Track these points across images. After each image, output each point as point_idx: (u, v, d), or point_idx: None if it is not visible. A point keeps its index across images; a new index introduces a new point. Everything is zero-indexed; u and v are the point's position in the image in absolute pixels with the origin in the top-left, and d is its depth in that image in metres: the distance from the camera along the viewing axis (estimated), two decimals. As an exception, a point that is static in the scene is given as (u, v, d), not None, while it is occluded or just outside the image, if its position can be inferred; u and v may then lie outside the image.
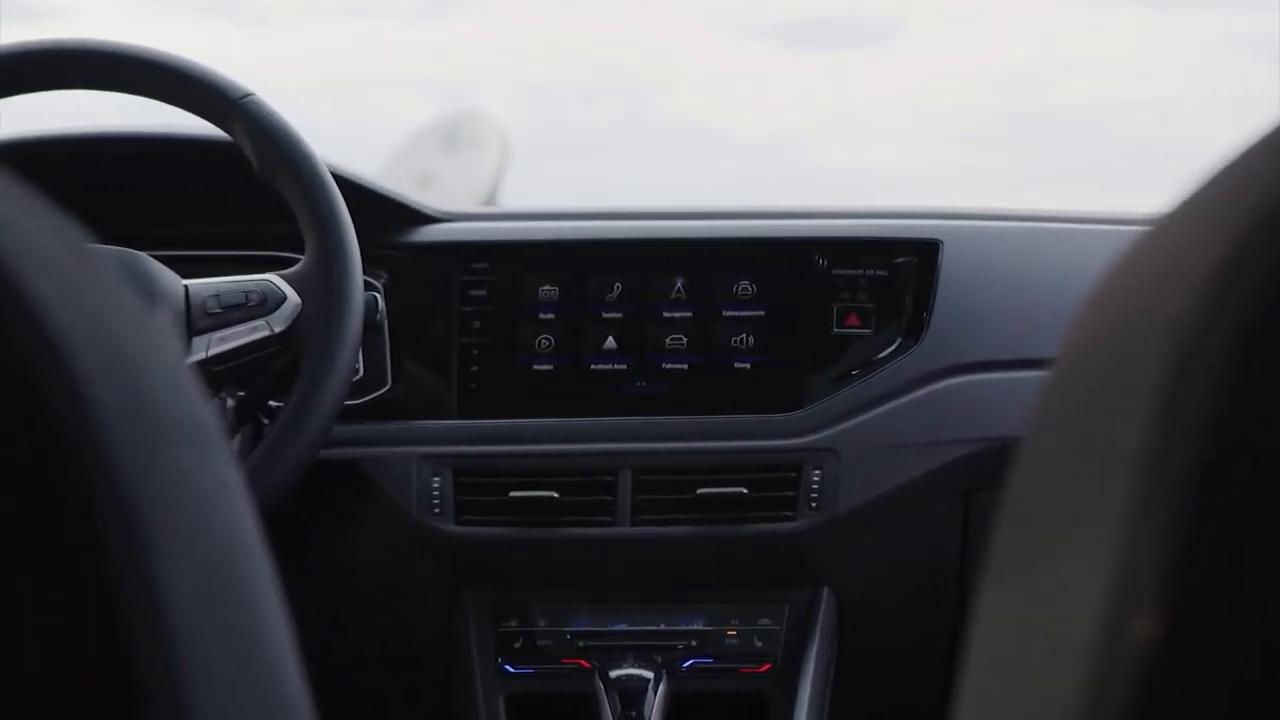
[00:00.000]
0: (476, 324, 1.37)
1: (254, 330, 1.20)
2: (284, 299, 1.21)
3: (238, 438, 1.32)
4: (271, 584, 0.49)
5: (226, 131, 1.22)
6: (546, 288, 1.37)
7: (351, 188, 1.31)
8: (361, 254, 1.22)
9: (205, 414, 0.48)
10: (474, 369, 1.37)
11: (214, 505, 0.47)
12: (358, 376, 1.35)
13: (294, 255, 1.25)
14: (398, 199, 1.41)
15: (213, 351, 1.20)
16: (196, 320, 1.21)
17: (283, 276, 1.22)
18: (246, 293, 1.21)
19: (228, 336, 1.20)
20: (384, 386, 1.36)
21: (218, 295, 1.21)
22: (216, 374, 1.21)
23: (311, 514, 1.38)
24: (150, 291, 1.19)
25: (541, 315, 1.37)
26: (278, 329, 1.20)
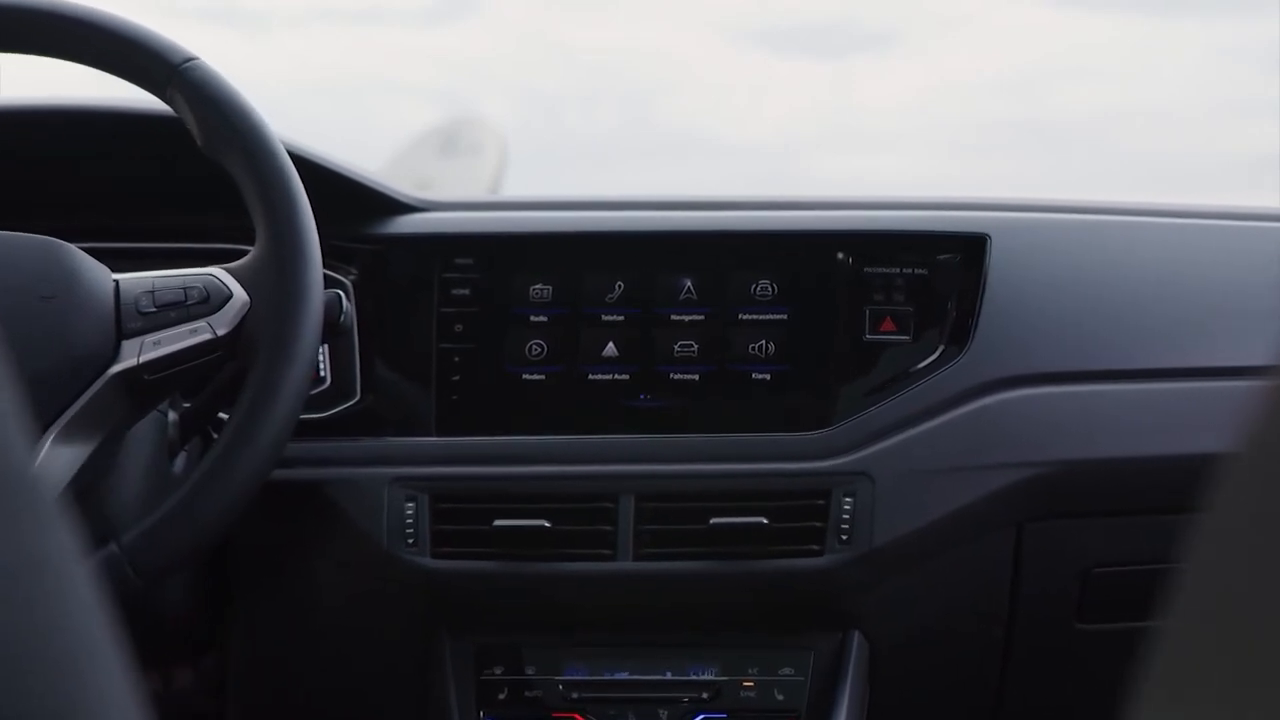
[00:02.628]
0: (458, 327, 1.29)
1: (194, 333, 1.08)
2: (229, 296, 1.09)
3: (182, 455, 1.24)
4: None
5: (166, 102, 1.12)
6: (538, 286, 1.30)
7: (314, 170, 1.23)
8: (326, 246, 1.14)
9: (11, 459, 0.34)
10: (455, 379, 1.29)
11: (12, 600, 0.33)
12: (323, 386, 1.29)
13: (245, 248, 1.13)
14: (368, 184, 1.32)
15: (145, 357, 1.08)
16: (127, 321, 1.08)
17: (228, 270, 1.10)
18: (185, 289, 1.09)
19: (163, 340, 1.08)
20: (352, 398, 1.29)
21: (152, 292, 1.09)
22: (152, 383, 1.09)
23: (266, 544, 1.31)
24: (73, 287, 1.08)
25: (532, 318, 1.29)
26: (221, 331, 1.08)
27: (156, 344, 1.08)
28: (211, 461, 1.05)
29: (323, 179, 1.25)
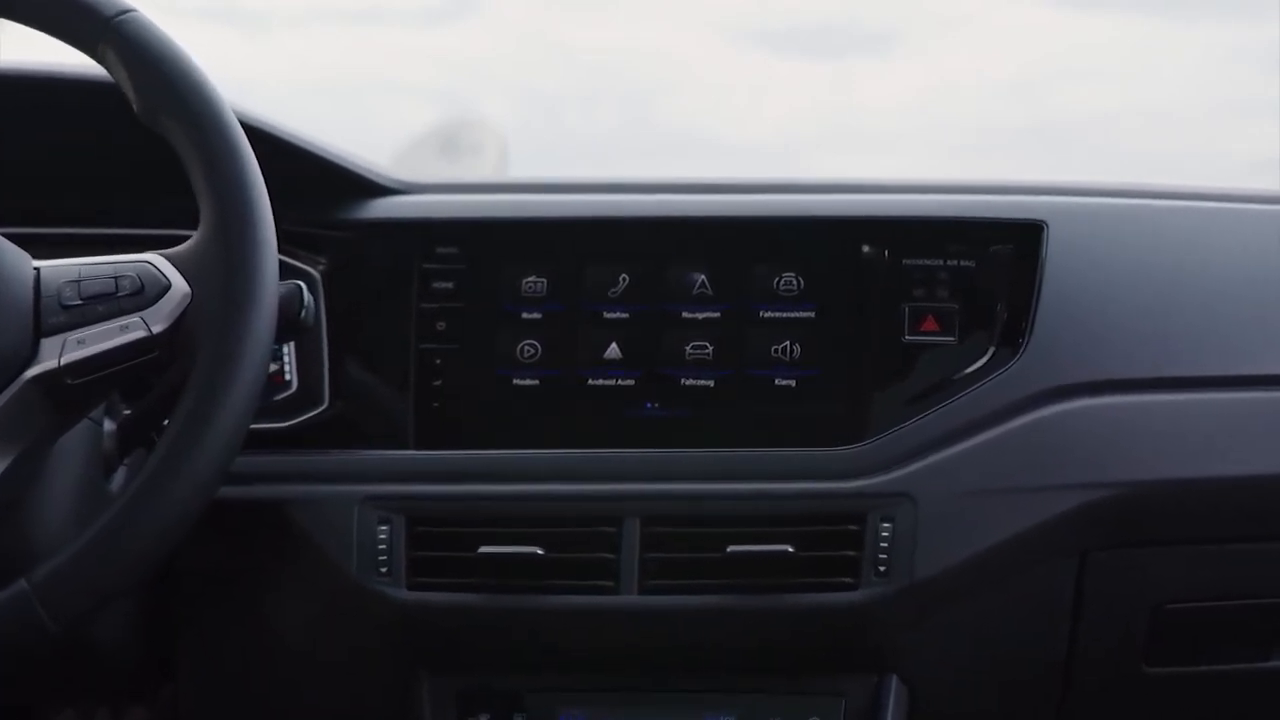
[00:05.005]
0: (440, 325, 1.24)
1: (125, 329, 0.98)
2: (167, 287, 0.99)
3: (122, 470, 1.15)
4: None
5: (98, 61, 1.03)
6: (531, 279, 1.24)
7: (275, 144, 1.20)
8: (290, 232, 1.14)
9: None
10: (436, 384, 1.24)
11: None
12: (288, 392, 1.24)
13: (188, 233, 1.05)
14: (339, 162, 1.28)
15: (68, 358, 0.98)
16: (47, 315, 0.99)
17: (166, 257, 1.01)
18: (116, 278, 1.00)
19: (89, 338, 0.98)
20: (319, 405, 1.24)
21: (77, 281, 1.00)
22: (77, 388, 0.99)
23: (219, 572, 1.25)
24: None
25: (524, 315, 1.24)
26: (157, 328, 0.98)
27: (81, 343, 0.98)
28: (141, 483, 0.95)
29: (285, 155, 1.21)
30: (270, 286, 0.98)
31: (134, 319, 0.98)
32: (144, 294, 0.99)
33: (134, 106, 1.01)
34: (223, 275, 0.97)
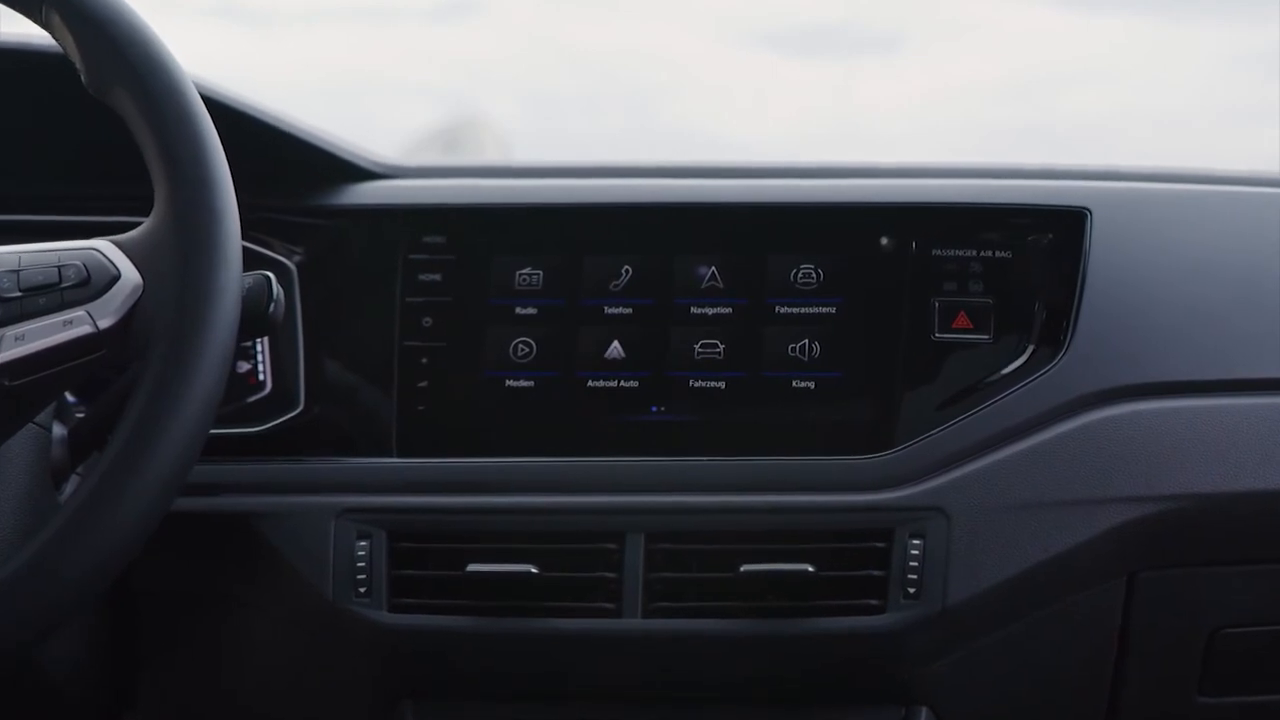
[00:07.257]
0: (427, 321, 1.21)
1: (69, 325, 0.93)
2: (116, 277, 0.93)
3: (74, 480, 1.09)
4: None
5: (43, 27, 0.99)
6: (526, 271, 1.21)
7: (245, 123, 1.17)
8: (268, 221, 1.12)
9: None
10: (422, 385, 1.20)
11: None
12: (262, 393, 1.21)
13: (141, 220, 1.00)
14: (316, 143, 1.24)
15: (6, 357, 0.92)
16: None
17: (116, 244, 0.96)
18: (60, 267, 0.94)
19: (29, 334, 0.93)
20: (295, 408, 1.21)
21: (16, 271, 0.95)
22: (17, 390, 0.93)
23: (182, 592, 1.21)
24: None
25: (518, 310, 1.21)
26: (105, 323, 0.92)
27: (20, 339, 0.92)
28: (83, 495, 0.89)
29: (256, 134, 1.18)
30: (231, 276, 0.92)
31: (79, 313, 0.92)
32: (90, 285, 0.93)
33: (82, 77, 0.96)
34: (178, 263, 0.91)
